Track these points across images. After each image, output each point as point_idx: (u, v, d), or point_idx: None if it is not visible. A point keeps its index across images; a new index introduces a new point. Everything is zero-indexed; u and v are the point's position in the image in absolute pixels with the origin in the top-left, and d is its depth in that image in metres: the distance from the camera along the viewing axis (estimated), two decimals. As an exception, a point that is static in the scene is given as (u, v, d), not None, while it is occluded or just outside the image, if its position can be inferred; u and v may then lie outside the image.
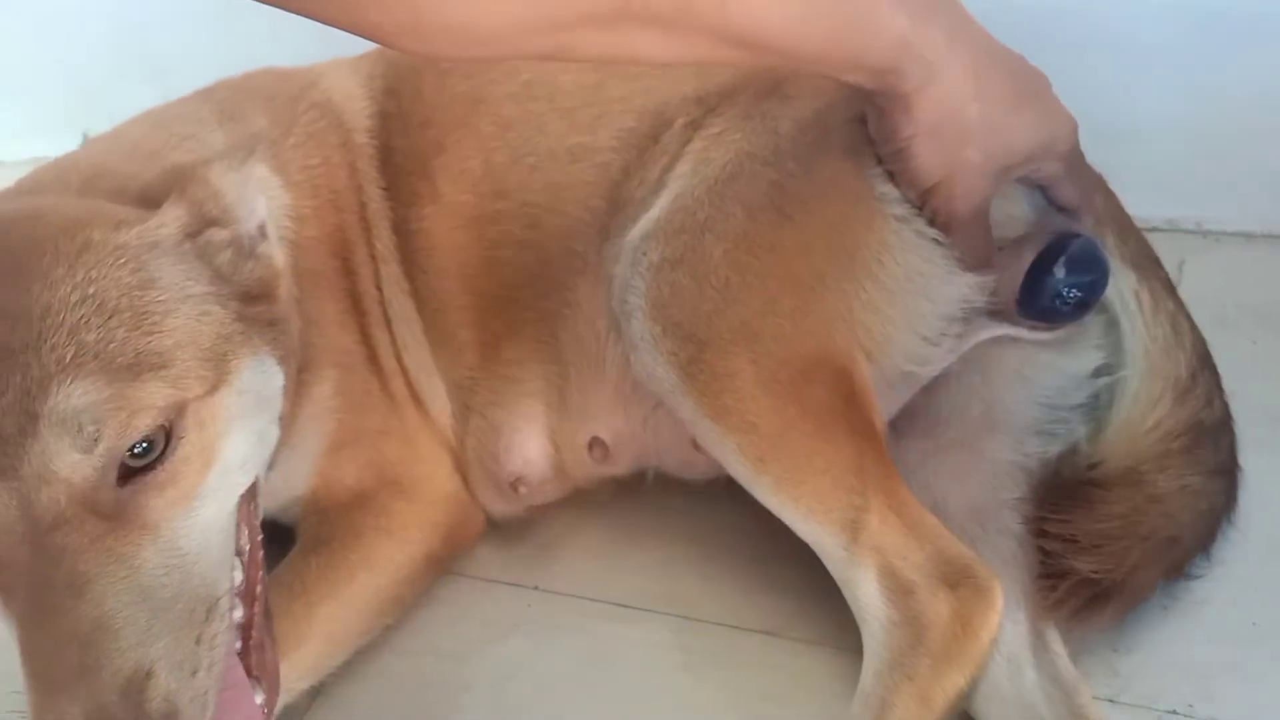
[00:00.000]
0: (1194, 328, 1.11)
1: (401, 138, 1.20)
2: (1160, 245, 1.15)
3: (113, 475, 0.78)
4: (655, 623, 1.13)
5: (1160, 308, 1.09)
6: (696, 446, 1.08)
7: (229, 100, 1.21)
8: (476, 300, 1.17)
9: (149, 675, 0.75)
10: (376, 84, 1.23)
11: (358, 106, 1.21)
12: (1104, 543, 0.97)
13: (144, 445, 0.79)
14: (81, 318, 0.79)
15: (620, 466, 1.20)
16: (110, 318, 0.80)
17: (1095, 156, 1.16)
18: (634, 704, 1.06)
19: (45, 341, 0.77)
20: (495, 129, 1.18)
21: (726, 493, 1.08)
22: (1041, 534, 1.00)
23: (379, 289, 1.17)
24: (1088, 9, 1.38)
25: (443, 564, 1.20)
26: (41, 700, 0.74)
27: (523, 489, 1.19)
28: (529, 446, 1.18)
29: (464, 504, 1.20)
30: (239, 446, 0.87)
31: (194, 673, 0.78)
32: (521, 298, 1.17)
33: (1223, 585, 1.04)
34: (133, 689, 0.74)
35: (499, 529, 1.24)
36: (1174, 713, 0.97)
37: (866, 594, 0.96)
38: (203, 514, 0.83)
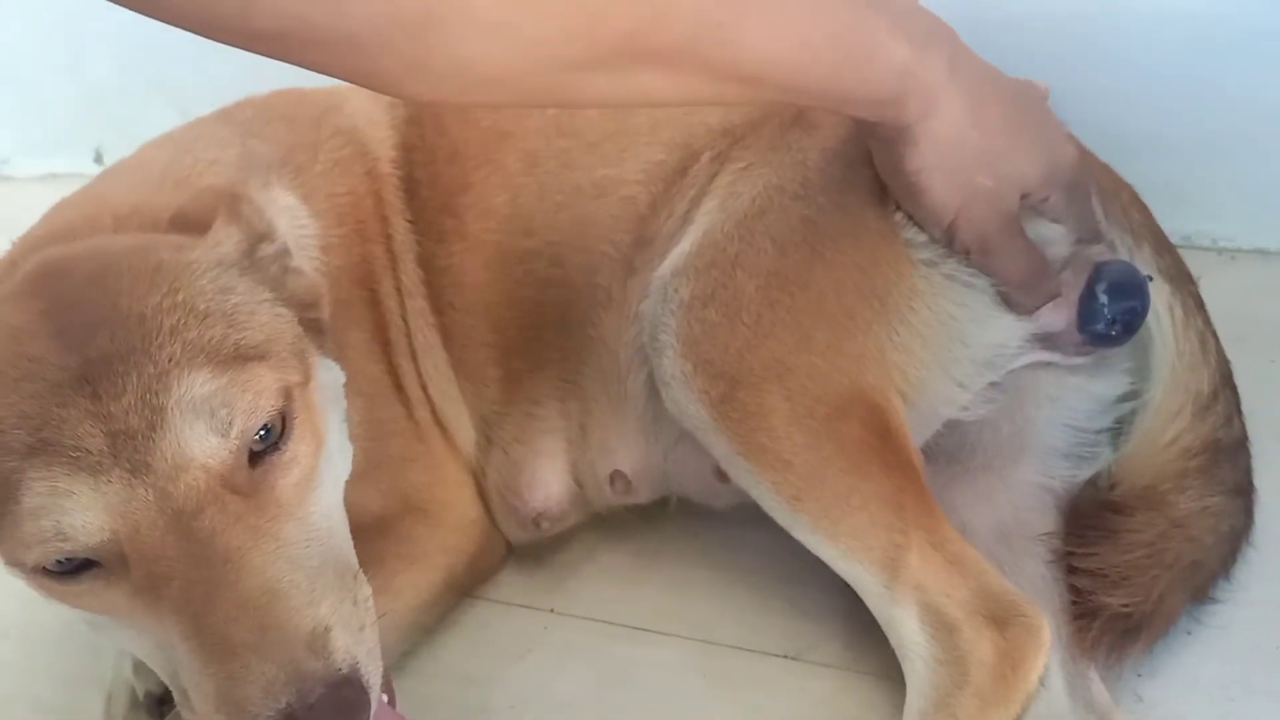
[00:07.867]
0: (1219, 346, 1.10)
1: (426, 170, 1.18)
2: (1175, 262, 1.15)
3: (245, 457, 0.80)
4: (674, 646, 1.13)
5: (1190, 323, 1.09)
6: (720, 477, 1.07)
7: (252, 123, 1.19)
8: (500, 338, 1.16)
9: (327, 630, 0.77)
10: (399, 111, 1.21)
11: (381, 135, 1.19)
12: (1132, 574, 0.97)
13: (266, 429, 0.81)
14: (179, 320, 0.81)
15: (641, 497, 1.20)
16: (205, 319, 0.82)
17: (1108, 174, 1.16)
18: (653, 728, 1.06)
19: (152, 343, 0.79)
20: (522, 165, 1.16)
21: (746, 515, 1.07)
22: (1071, 570, 1.00)
23: (405, 320, 1.16)
24: (1094, 23, 1.37)
25: (464, 590, 1.19)
26: (226, 669, 0.74)
27: (545, 523, 1.19)
28: (551, 482, 1.18)
29: (486, 531, 1.20)
30: (334, 432, 0.91)
31: (361, 629, 0.80)
32: (545, 336, 1.16)
33: (1243, 608, 1.04)
34: (317, 643, 0.76)
35: (516, 552, 1.24)
36: (1198, 737, 0.97)
37: (909, 632, 0.95)
38: (324, 494, 0.86)
